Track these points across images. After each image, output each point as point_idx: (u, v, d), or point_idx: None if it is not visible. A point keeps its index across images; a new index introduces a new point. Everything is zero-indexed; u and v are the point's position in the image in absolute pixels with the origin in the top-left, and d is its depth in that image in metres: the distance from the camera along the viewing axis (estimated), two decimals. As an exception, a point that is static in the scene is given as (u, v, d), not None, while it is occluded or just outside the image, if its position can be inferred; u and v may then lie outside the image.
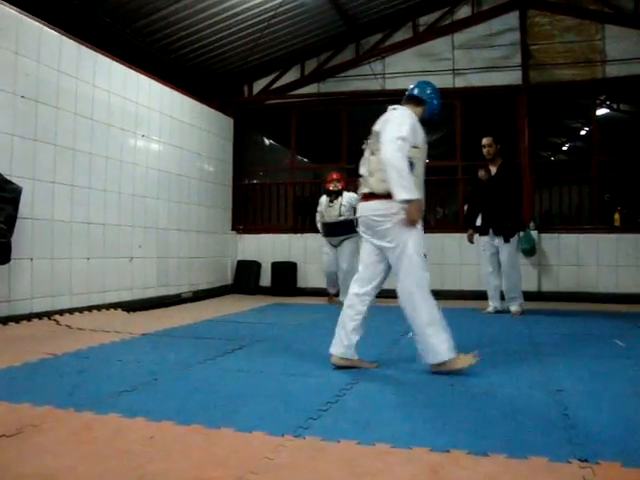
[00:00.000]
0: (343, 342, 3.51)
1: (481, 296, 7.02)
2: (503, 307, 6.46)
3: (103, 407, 2.67)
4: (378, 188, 3.38)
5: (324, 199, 7.22)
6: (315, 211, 7.57)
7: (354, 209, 6.23)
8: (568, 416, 2.55)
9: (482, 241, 6.48)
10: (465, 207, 7.24)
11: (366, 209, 3.48)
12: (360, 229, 3.63)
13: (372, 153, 3.48)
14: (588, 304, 7.28)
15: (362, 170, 3.56)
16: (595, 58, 8.24)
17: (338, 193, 7.06)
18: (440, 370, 3.36)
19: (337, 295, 7.31)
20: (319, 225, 7.31)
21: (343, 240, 7.01)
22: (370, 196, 3.46)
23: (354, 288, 3.58)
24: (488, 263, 6.46)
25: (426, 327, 3.37)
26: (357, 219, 3.66)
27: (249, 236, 9.21)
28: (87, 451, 2.14)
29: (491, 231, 6.33)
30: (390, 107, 3.59)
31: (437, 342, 3.34)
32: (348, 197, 6.98)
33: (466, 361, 3.45)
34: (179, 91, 7.65)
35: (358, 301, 3.53)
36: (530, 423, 2.46)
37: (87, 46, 5.93)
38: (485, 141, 6.36)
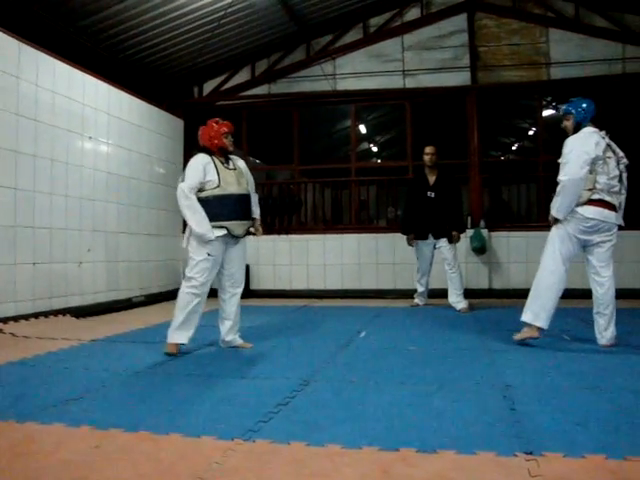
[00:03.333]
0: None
1: (432, 294, 7.14)
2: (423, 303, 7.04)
3: (47, 417, 2.59)
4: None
5: (204, 159, 4.23)
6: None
7: None
8: (515, 410, 2.61)
9: (420, 244, 6.76)
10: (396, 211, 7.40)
11: (613, 217, 4.14)
12: (587, 232, 4.16)
13: (621, 176, 4.19)
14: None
15: (607, 184, 4.09)
16: (540, 60, 8.46)
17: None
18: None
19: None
20: (186, 203, 4.05)
21: (247, 230, 4.35)
22: (616, 208, 4.14)
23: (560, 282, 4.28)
24: (422, 265, 6.81)
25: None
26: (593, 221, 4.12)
27: (201, 238, 9.09)
28: (28, 464, 2.07)
29: (431, 235, 6.63)
30: (600, 131, 4.21)
31: None
32: (244, 165, 4.51)
33: None
34: (127, 92, 7.50)
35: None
36: (479, 419, 2.50)
37: (29, 44, 5.75)
38: (430, 149, 6.66)
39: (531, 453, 2.07)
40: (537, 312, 4.16)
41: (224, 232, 4.11)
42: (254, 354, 4.14)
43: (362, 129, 13.52)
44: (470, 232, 8.03)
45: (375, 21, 8.95)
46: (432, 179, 6.65)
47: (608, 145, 4.14)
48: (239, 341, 4.40)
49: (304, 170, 9.71)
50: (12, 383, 3.32)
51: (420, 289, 6.96)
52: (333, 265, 8.53)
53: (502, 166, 14.16)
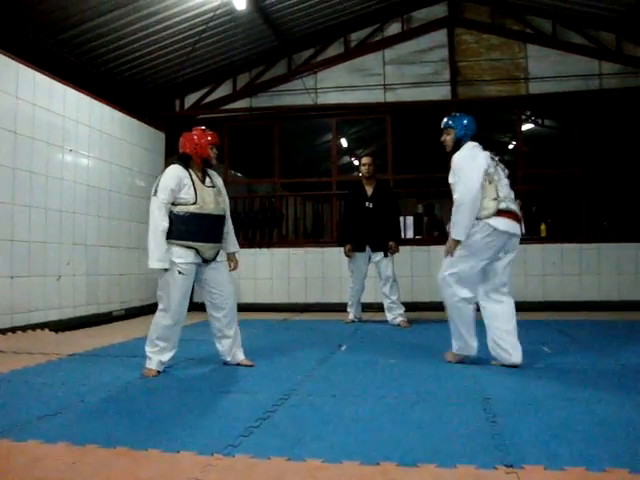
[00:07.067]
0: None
1: (410, 308, 7.09)
2: (361, 316, 6.96)
3: (22, 434, 2.54)
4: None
5: (181, 172, 3.91)
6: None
7: None
8: (496, 423, 2.60)
9: (357, 257, 6.61)
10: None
11: (518, 229, 3.99)
12: (496, 248, 3.96)
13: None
14: (517, 312, 7.45)
15: (506, 192, 4.03)
16: (519, 75, 8.59)
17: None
18: None
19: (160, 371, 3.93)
20: (158, 221, 3.75)
21: (218, 252, 4.05)
22: (517, 218, 3.99)
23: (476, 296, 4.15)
24: (357, 278, 6.68)
25: None
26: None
27: (183, 252, 9.04)
28: (3, 481, 2.04)
29: (368, 248, 6.54)
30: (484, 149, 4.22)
31: None
32: (222, 183, 4.21)
33: None
34: (109, 105, 7.46)
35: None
36: (459, 432, 2.50)
37: (8, 56, 5.69)
38: (367, 160, 6.67)
39: (511, 466, 2.07)
40: (460, 345, 4.12)
41: (189, 254, 3.83)
42: (234, 368, 4.10)
43: (343, 143, 13.57)
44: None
45: (356, 35, 9.05)
46: (370, 190, 6.60)
47: (490, 157, 4.11)
48: (241, 357, 4.16)
49: (285, 183, 9.73)
50: (-13, 399, 3.27)
51: (353, 303, 6.86)
52: (314, 279, 8.52)
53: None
